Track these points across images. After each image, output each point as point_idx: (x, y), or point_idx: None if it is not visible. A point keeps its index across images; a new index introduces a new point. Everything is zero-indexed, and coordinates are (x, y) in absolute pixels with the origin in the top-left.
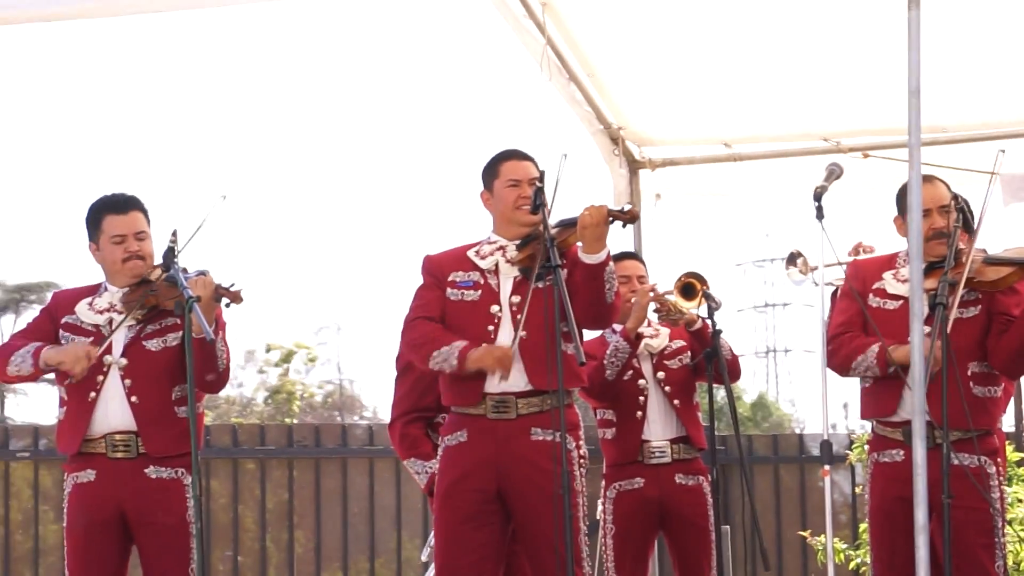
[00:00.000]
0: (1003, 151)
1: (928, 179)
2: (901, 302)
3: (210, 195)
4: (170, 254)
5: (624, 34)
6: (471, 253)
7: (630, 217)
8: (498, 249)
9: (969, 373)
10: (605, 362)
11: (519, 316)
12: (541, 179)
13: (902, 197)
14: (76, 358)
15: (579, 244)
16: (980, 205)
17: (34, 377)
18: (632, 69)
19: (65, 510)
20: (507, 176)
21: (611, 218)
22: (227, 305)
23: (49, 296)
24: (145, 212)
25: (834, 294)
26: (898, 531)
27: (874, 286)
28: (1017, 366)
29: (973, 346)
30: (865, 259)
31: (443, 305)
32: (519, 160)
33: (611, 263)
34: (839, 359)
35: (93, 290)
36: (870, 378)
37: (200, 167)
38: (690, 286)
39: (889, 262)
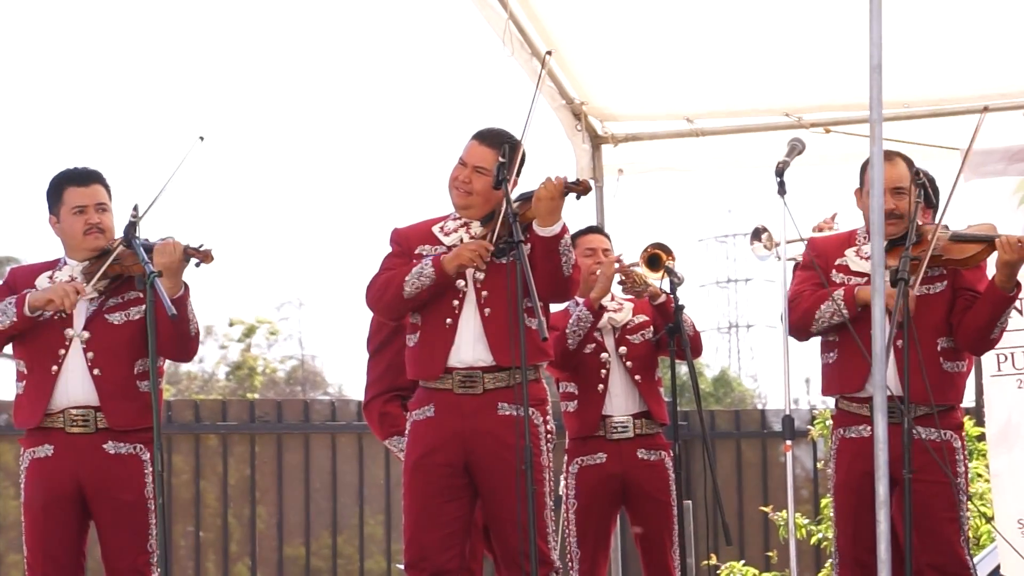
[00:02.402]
0: (987, 107)
1: (889, 157)
2: (865, 279)
3: (168, 170)
4: (131, 229)
5: (587, 9)
6: (435, 229)
7: (583, 189)
8: (462, 225)
9: (939, 348)
10: (567, 331)
11: (483, 293)
12: (504, 154)
13: (865, 171)
14: (64, 292)
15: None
16: (943, 181)
17: (16, 328)
18: (595, 44)
19: (23, 486)
20: (460, 155)
21: (565, 191)
22: (197, 265)
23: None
24: (107, 186)
25: (795, 268)
26: (864, 506)
27: (836, 262)
28: (982, 343)
29: (940, 322)
30: (823, 237)
31: None
32: (475, 141)
33: (567, 236)
34: (799, 313)
35: (52, 265)
36: (833, 330)
37: (158, 140)
38: (656, 257)
39: (849, 239)
